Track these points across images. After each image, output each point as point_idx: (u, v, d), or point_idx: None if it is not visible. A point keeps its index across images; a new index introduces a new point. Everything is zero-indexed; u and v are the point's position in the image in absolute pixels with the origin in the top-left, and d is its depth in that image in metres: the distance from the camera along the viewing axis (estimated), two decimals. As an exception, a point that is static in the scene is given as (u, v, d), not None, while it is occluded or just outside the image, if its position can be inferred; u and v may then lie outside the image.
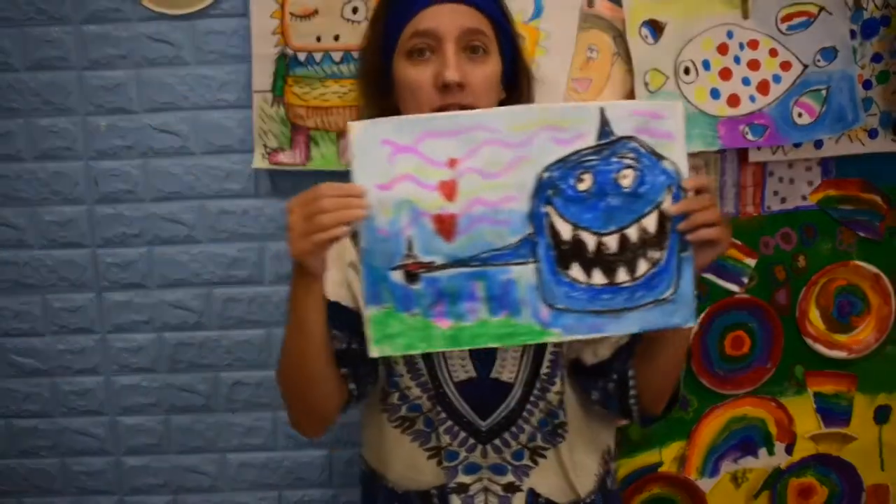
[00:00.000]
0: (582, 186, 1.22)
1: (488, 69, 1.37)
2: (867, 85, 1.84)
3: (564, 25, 1.79)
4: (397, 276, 1.23)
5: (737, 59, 1.80)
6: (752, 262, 1.90)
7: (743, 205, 1.88)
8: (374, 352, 1.25)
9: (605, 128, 1.21)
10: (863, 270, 1.93)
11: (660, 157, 1.22)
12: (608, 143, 1.21)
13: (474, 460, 1.45)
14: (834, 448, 1.98)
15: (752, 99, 1.80)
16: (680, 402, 1.50)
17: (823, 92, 1.80)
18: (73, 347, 2.01)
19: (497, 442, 1.45)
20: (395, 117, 1.24)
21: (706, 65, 1.80)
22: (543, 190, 1.22)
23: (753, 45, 1.80)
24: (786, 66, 1.80)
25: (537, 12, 1.79)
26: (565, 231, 1.22)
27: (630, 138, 1.21)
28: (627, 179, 1.22)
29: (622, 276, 1.23)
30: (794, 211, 1.89)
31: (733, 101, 1.80)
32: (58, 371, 2.02)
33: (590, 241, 1.22)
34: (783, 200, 1.89)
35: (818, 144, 1.85)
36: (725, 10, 1.79)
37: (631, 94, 1.80)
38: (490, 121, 1.22)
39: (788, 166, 1.88)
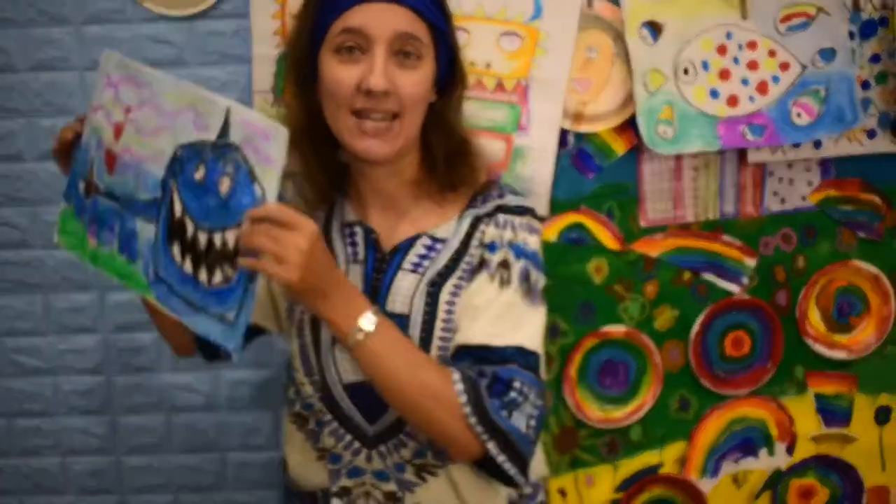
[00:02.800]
0: (196, 176, 1.23)
1: (419, 76, 1.33)
2: (866, 85, 1.84)
3: (564, 26, 1.79)
4: (81, 187, 1.41)
5: (736, 60, 1.80)
6: (751, 262, 1.90)
7: (742, 205, 1.88)
8: (56, 238, 1.46)
9: (225, 128, 1.21)
10: (863, 271, 1.92)
11: (253, 178, 1.18)
12: (221, 144, 1.21)
13: (358, 464, 1.42)
14: (835, 449, 1.98)
15: (752, 99, 1.80)
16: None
17: (822, 92, 1.80)
18: (75, 347, 2.02)
19: (383, 448, 1.41)
20: (119, 57, 1.38)
21: (705, 65, 1.80)
22: (174, 164, 1.27)
23: (752, 45, 1.79)
24: (785, 66, 1.80)
25: (537, 13, 1.79)
26: (177, 209, 1.25)
27: (237, 149, 1.19)
28: (224, 187, 1.20)
29: (202, 275, 1.23)
30: (793, 211, 1.89)
31: (732, 101, 1.80)
32: (59, 370, 2.03)
33: (189, 227, 1.24)
34: (783, 201, 1.89)
35: (817, 145, 1.85)
36: (724, 11, 1.79)
37: (630, 95, 1.80)
38: (158, 84, 1.31)
39: (788, 167, 1.88)
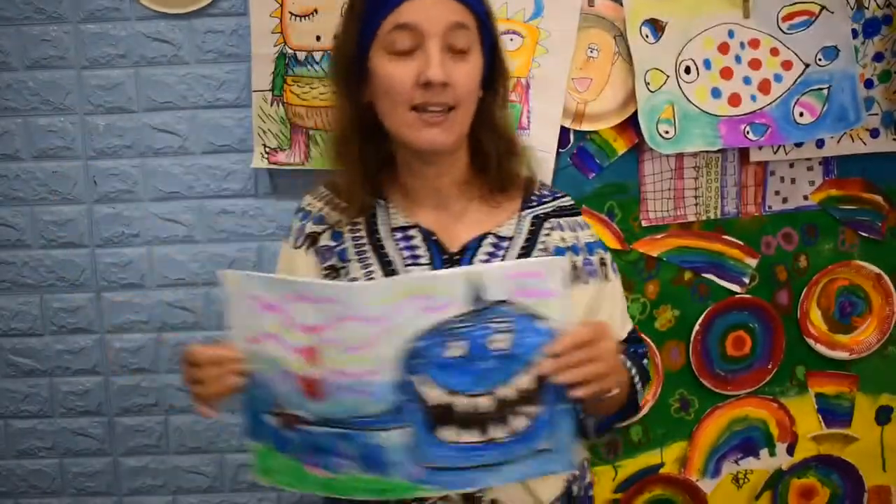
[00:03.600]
0: (450, 353, 1.17)
1: (471, 67, 1.33)
2: (869, 84, 1.84)
3: (565, 24, 1.79)
4: (274, 421, 1.24)
5: (738, 59, 1.79)
6: (753, 262, 1.89)
7: (744, 204, 1.88)
8: (258, 478, 1.29)
9: (477, 293, 1.16)
10: (864, 270, 1.92)
11: (535, 317, 1.17)
12: (480, 308, 1.16)
13: None
14: (835, 449, 1.98)
15: (754, 98, 1.80)
16: (638, 410, 1.50)
17: (825, 91, 1.80)
18: (72, 347, 2.01)
19: None
20: (265, 275, 1.23)
21: (707, 64, 1.79)
22: (410, 359, 1.17)
23: (754, 44, 1.79)
24: (787, 65, 1.79)
25: (537, 11, 1.79)
26: (434, 397, 1.18)
27: (503, 302, 1.16)
28: (500, 343, 1.17)
29: (497, 432, 1.20)
30: (795, 211, 1.89)
31: (734, 100, 1.80)
32: (56, 371, 2.02)
33: (461, 402, 1.19)
34: (784, 200, 1.88)
35: (820, 144, 1.85)
36: (726, 10, 1.79)
37: (632, 94, 1.79)
38: (354, 297, 1.18)
39: (790, 166, 1.87)
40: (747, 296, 1.91)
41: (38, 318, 2.00)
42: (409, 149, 1.37)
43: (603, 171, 1.85)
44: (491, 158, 1.42)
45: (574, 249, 1.44)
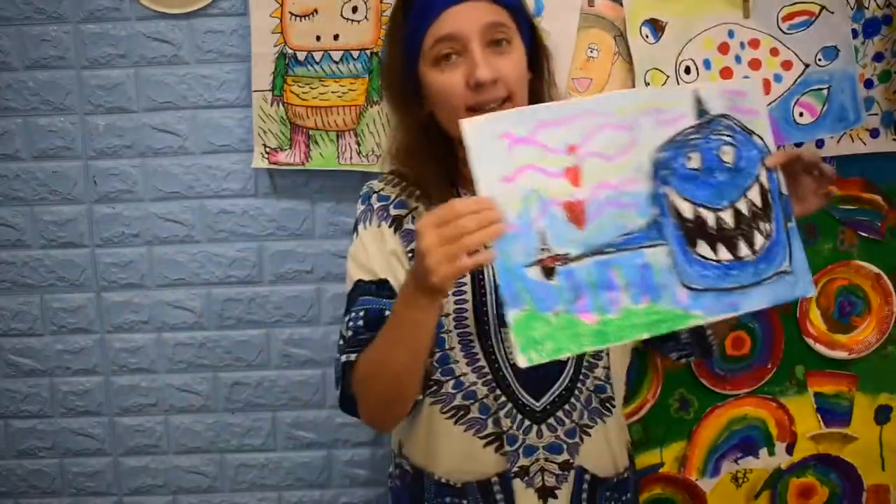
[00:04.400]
0: (692, 165, 1.23)
1: (516, 57, 1.37)
2: (868, 84, 1.83)
3: (565, 24, 1.79)
4: (534, 273, 1.16)
5: (738, 59, 1.79)
6: (752, 261, 1.89)
7: (744, 204, 1.88)
8: (522, 360, 1.16)
9: (701, 108, 1.25)
10: (864, 270, 1.92)
11: (750, 133, 1.27)
12: (706, 121, 1.25)
13: (531, 442, 1.43)
14: (834, 448, 1.98)
15: (754, 98, 1.80)
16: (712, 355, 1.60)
17: (825, 91, 1.80)
18: (72, 347, 2.01)
19: (552, 421, 1.43)
20: (507, 111, 1.23)
21: (707, 64, 1.79)
22: (659, 170, 1.22)
23: (754, 44, 1.79)
24: (787, 65, 1.80)
25: (537, 11, 1.79)
26: (686, 209, 1.23)
27: (725, 116, 1.25)
28: (728, 155, 1.25)
29: (744, 250, 1.25)
30: (795, 210, 1.89)
31: (734, 100, 1.80)
32: (56, 371, 2.02)
33: (709, 217, 1.24)
34: (784, 200, 1.88)
35: (819, 144, 1.85)
36: (726, 10, 1.79)
37: (632, 94, 1.80)
38: (600, 106, 1.22)
39: (789, 166, 1.87)
40: (747, 295, 1.91)
41: (38, 318, 2.00)
42: None
43: (603, 171, 1.85)
44: None
45: None
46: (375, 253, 1.43)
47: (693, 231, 1.23)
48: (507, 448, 1.42)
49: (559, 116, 1.20)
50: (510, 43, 1.37)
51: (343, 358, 1.39)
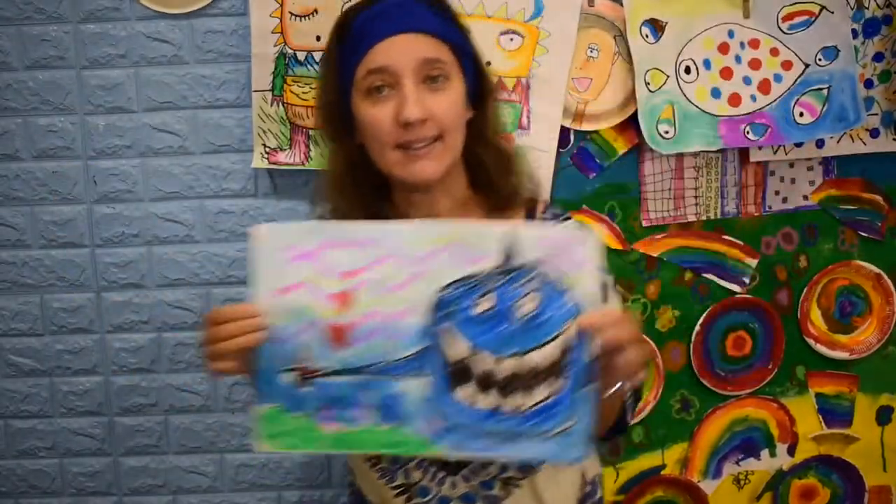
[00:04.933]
0: (480, 308, 1.18)
1: (451, 96, 1.33)
2: (869, 84, 1.83)
3: (564, 24, 1.79)
4: (288, 378, 1.22)
5: (738, 59, 1.79)
6: (753, 262, 1.89)
7: (744, 204, 1.88)
8: (258, 446, 1.26)
9: (510, 252, 1.17)
10: (864, 270, 1.92)
11: (565, 288, 1.16)
12: (512, 268, 1.17)
13: (445, 493, 1.41)
14: (836, 449, 1.98)
15: (754, 98, 1.79)
16: (625, 431, 1.49)
17: (825, 91, 1.80)
18: (72, 347, 2.01)
19: (466, 472, 1.40)
20: (298, 224, 1.25)
21: (707, 64, 1.79)
22: (442, 307, 1.18)
23: (754, 44, 1.79)
24: (787, 65, 1.79)
25: (537, 11, 1.79)
26: (460, 350, 1.18)
27: (535, 267, 1.16)
28: (529, 307, 1.17)
29: (513, 403, 1.18)
30: (795, 211, 1.89)
31: (734, 100, 1.79)
32: (56, 371, 2.02)
33: (483, 363, 1.18)
34: (784, 200, 1.88)
35: (819, 144, 1.85)
36: (726, 10, 1.79)
37: (632, 94, 1.79)
38: (393, 237, 1.20)
39: (790, 166, 1.87)
40: (748, 296, 1.91)
41: (38, 318, 2.00)
42: (402, 182, 1.38)
43: (603, 171, 1.85)
44: (492, 176, 1.42)
45: None
46: None
47: (460, 373, 1.19)
48: (419, 500, 1.42)
49: (347, 239, 1.21)
50: (448, 80, 1.32)
51: None
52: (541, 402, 1.18)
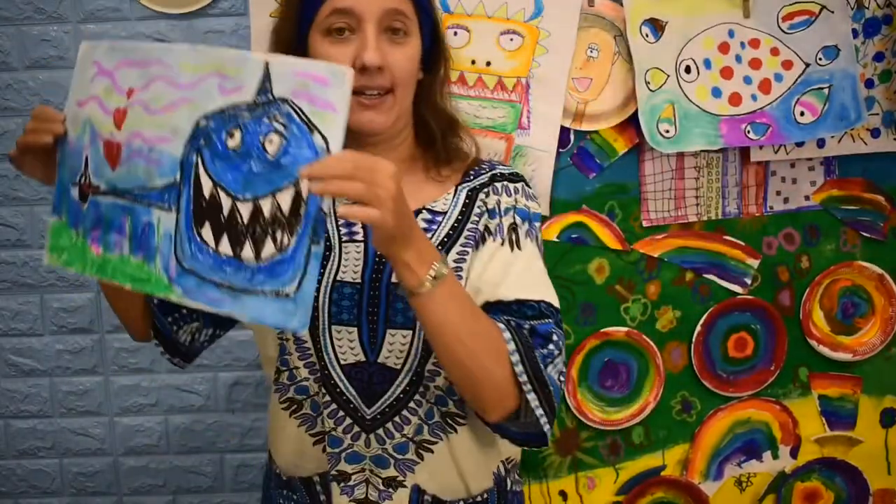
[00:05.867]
0: (231, 143, 1.11)
1: (409, 51, 1.35)
2: (869, 84, 1.83)
3: (564, 24, 1.79)
4: (74, 192, 1.25)
5: (738, 58, 1.79)
6: (754, 262, 1.88)
7: (745, 205, 1.87)
8: (46, 258, 1.29)
9: (265, 84, 1.09)
10: (867, 271, 1.91)
11: (312, 129, 1.07)
12: (264, 101, 1.09)
13: (358, 449, 1.40)
14: (839, 451, 1.97)
15: (754, 98, 1.79)
16: (544, 443, 1.36)
17: (825, 91, 1.79)
18: (72, 347, 2.01)
19: (381, 432, 1.39)
20: (112, 42, 1.24)
21: (707, 63, 1.79)
22: (198, 138, 1.13)
23: (755, 43, 1.79)
24: (787, 64, 1.79)
25: (537, 11, 1.78)
26: (206, 186, 1.12)
27: (285, 101, 1.08)
28: (273, 145, 1.09)
29: (247, 251, 1.10)
30: (796, 211, 1.88)
31: (735, 99, 1.79)
32: (56, 371, 2.02)
33: (225, 203, 1.11)
34: (786, 200, 1.87)
35: (821, 144, 1.84)
36: (726, 9, 1.78)
37: (632, 93, 1.79)
38: (168, 56, 1.16)
39: (791, 166, 1.86)
40: (749, 297, 1.90)
41: (38, 318, 2.00)
42: (348, 130, 1.38)
43: (603, 171, 1.84)
44: (434, 135, 1.45)
45: (492, 213, 1.41)
46: None
47: (204, 211, 1.12)
48: (330, 450, 1.40)
49: (138, 57, 1.19)
50: (407, 34, 1.34)
51: None
52: (269, 256, 1.10)
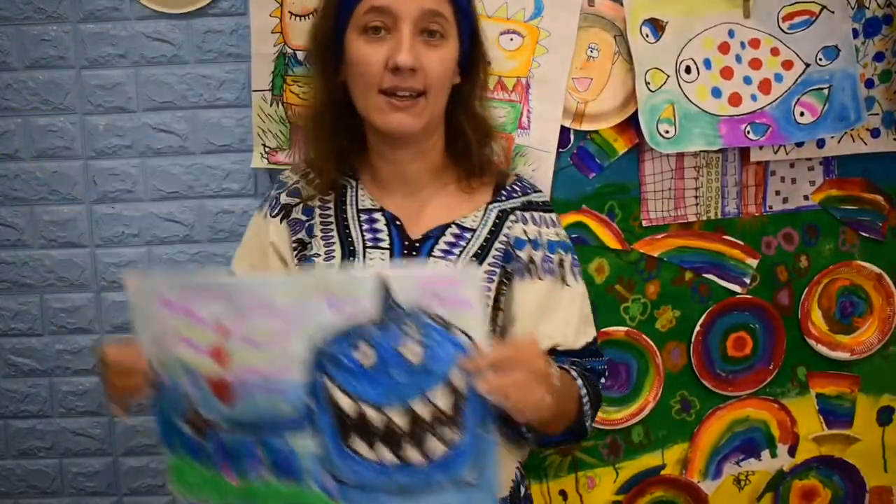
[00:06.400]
0: (363, 360, 1.11)
1: (444, 54, 1.35)
2: (869, 84, 1.83)
3: (564, 24, 1.79)
4: (187, 428, 1.20)
5: (738, 58, 1.79)
6: (753, 262, 1.89)
7: (745, 204, 1.87)
8: (177, 495, 1.24)
9: (388, 300, 1.09)
10: (865, 270, 1.91)
11: (450, 328, 1.09)
12: (391, 314, 1.09)
13: None
14: (837, 450, 1.97)
15: (754, 98, 1.79)
16: (584, 436, 1.45)
17: (825, 91, 1.79)
18: (72, 347, 2.01)
19: None
20: (170, 274, 1.23)
21: (707, 64, 1.79)
22: (321, 361, 1.12)
23: (755, 43, 1.79)
24: (787, 64, 1.79)
25: (537, 11, 1.78)
26: (347, 405, 1.12)
27: (415, 309, 1.09)
28: (414, 355, 1.10)
29: (413, 455, 1.12)
30: (796, 211, 1.89)
31: (735, 100, 1.79)
32: (56, 371, 2.02)
33: (373, 416, 1.12)
34: (785, 200, 1.88)
35: (820, 144, 1.84)
36: (726, 9, 1.78)
37: (632, 93, 1.79)
38: (259, 289, 1.14)
39: (790, 166, 1.87)
40: (748, 296, 1.90)
41: (38, 318, 2.00)
42: (377, 132, 1.38)
43: (603, 171, 1.84)
44: (470, 145, 1.44)
45: (534, 244, 1.44)
46: (251, 244, 1.49)
47: (351, 427, 1.13)
48: None
49: (216, 290, 1.15)
50: (444, 37, 1.35)
51: None
52: (439, 454, 1.12)
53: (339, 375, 1.12)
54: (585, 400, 1.37)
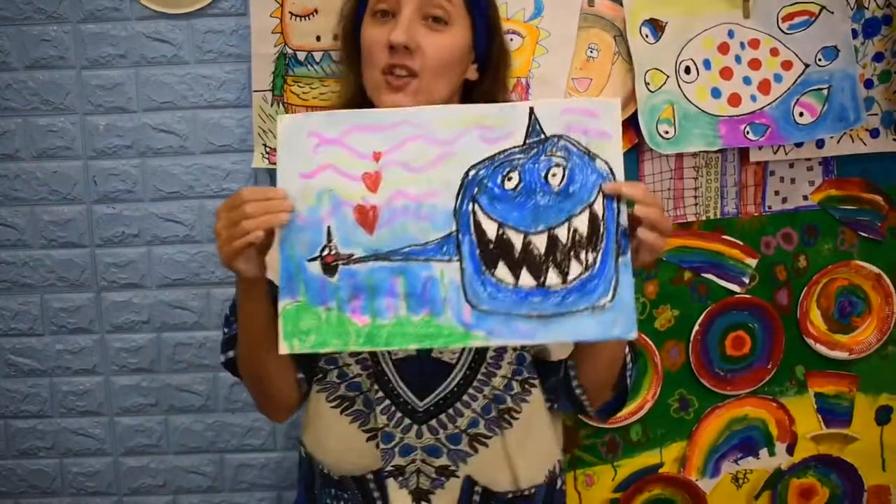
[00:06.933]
0: (509, 185, 1.19)
1: (446, 40, 1.35)
2: (869, 84, 1.84)
3: (564, 24, 1.79)
4: (314, 268, 1.20)
5: (738, 59, 1.79)
6: (753, 262, 1.89)
7: (744, 204, 1.88)
8: (283, 348, 1.21)
9: (534, 126, 1.19)
10: (864, 270, 1.92)
11: (592, 156, 1.19)
12: (537, 141, 1.19)
13: (409, 441, 1.40)
14: (835, 449, 1.98)
15: (753, 98, 1.79)
16: (624, 401, 1.51)
17: (825, 91, 1.80)
18: (72, 347, 2.01)
19: (433, 423, 1.40)
20: (324, 112, 1.24)
21: (707, 64, 1.79)
22: (469, 187, 1.19)
23: (754, 44, 1.79)
24: (787, 65, 1.79)
25: (537, 11, 1.79)
26: (491, 229, 1.19)
27: (560, 137, 1.19)
28: (556, 178, 1.19)
29: (552, 278, 1.19)
30: (795, 211, 1.89)
31: (734, 100, 1.79)
32: (56, 371, 2.02)
33: (516, 240, 1.19)
34: (784, 200, 1.88)
35: (819, 144, 1.85)
36: (726, 10, 1.78)
37: (632, 94, 1.79)
38: (417, 118, 1.21)
39: (790, 166, 1.87)
40: (747, 296, 1.91)
41: (38, 318, 2.00)
42: None
43: (603, 171, 1.85)
44: None
45: None
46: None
47: (494, 252, 1.19)
48: (383, 445, 1.41)
49: (373, 123, 1.21)
50: (448, 25, 1.35)
51: (221, 358, 1.47)
52: (577, 277, 1.18)
53: (485, 201, 1.19)
54: (628, 358, 1.45)
